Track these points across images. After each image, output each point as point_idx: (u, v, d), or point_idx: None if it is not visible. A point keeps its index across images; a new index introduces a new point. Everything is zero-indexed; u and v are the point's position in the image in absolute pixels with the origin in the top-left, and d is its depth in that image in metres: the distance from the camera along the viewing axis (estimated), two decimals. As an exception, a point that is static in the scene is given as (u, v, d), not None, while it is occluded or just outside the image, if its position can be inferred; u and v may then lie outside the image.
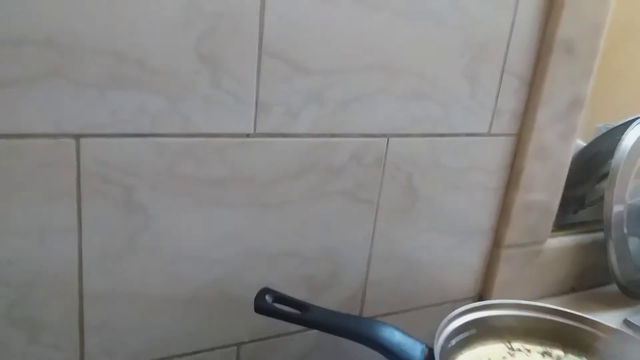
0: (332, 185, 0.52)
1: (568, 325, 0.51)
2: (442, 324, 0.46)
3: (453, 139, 0.57)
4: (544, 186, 0.64)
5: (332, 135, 0.50)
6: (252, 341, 0.53)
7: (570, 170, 0.72)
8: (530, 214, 0.65)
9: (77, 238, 0.42)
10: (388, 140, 0.53)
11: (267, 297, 0.45)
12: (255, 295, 0.46)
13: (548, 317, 0.51)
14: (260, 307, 0.44)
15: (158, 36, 0.39)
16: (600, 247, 0.73)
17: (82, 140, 0.40)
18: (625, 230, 0.72)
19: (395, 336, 0.43)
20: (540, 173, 0.63)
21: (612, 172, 0.70)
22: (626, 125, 0.72)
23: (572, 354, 0.50)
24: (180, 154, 0.44)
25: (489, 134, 0.60)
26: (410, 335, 0.45)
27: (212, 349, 0.52)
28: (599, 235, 0.74)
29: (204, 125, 0.44)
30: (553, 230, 0.71)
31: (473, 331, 0.49)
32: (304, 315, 0.44)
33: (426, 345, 0.44)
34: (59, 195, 0.40)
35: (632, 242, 0.73)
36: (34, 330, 0.43)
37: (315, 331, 0.57)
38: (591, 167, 0.77)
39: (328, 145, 0.50)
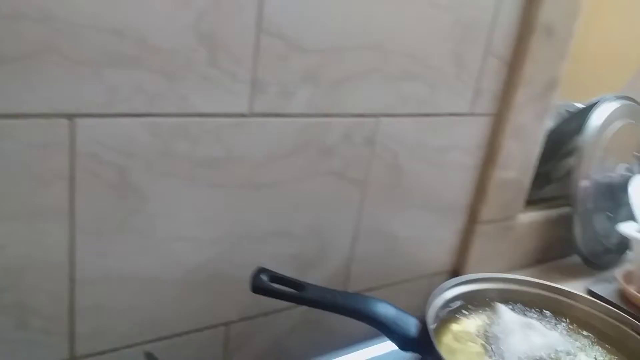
0: (323, 165, 0.53)
1: (545, 296, 0.55)
2: (431, 298, 0.49)
3: (437, 119, 0.60)
4: (518, 164, 0.68)
5: (326, 115, 0.51)
6: (240, 320, 0.55)
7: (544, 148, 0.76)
8: (504, 191, 0.69)
9: (68, 221, 0.41)
10: (379, 120, 0.55)
11: (262, 276, 0.46)
12: (247, 274, 0.47)
13: (527, 289, 0.55)
14: (258, 286, 0.45)
15: (158, 13, 0.39)
16: (565, 221, 0.78)
17: (77, 120, 0.39)
18: (590, 205, 0.78)
19: (390, 312, 0.46)
20: (516, 151, 0.67)
21: (579, 150, 0.75)
22: (592, 105, 0.77)
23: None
24: (175, 134, 0.44)
25: (470, 114, 0.62)
26: (403, 311, 0.47)
27: (202, 329, 0.52)
28: (565, 210, 0.79)
29: (200, 105, 0.44)
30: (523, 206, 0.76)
31: (459, 303, 0.52)
32: (302, 293, 0.46)
33: (418, 320, 0.47)
34: (51, 177, 0.39)
35: (596, 216, 0.79)
36: (24, 315, 0.42)
37: (300, 308, 0.59)
38: (557, 145, 0.82)
39: (321, 125, 0.51)
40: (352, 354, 0.55)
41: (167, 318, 0.50)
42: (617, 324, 0.54)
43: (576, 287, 0.77)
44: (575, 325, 0.54)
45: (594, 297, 0.74)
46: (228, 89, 0.44)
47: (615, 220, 0.79)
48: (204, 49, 0.42)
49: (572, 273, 0.81)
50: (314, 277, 0.58)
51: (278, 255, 0.54)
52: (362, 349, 0.56)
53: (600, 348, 0.51)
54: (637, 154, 0.82)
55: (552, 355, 0.47)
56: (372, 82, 0.52)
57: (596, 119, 0.75)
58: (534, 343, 0.47)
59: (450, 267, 0.72)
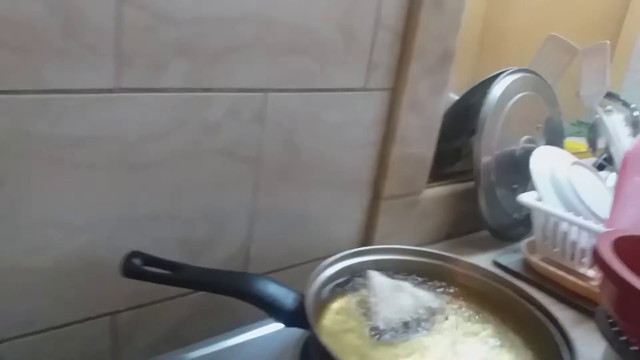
0: (208, 142, 0.52)
1: (430, 263, 0.56)
2: (314, 272, 0.49)
3: (331, 94, 0.60)
4: (419, 138, 0.69)
5: (205, 90, 0.50)
6: (127, 309, 0.53)
7: (446, 124, 0.78)
8: (406, 166, 0.70)
9: None
10: (267, 96, 0.54)
11: (135, 260, 0.45)
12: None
13: (413, 258, 0.56)
14: (128, 270, 0.44)
15: (-7, -22, 0.36)
16: (472, 196, 0.81)
17: None
18: (493, 178, 0.80)
19: (268, 287, 0.45)
20: (415, 126, 0.68)
21: (480, 124, 0.77)
22: (494, 78, 0.79)
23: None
24: (31, 112, 0.41)
25: (365, 89, 0.63)
26: (284, 285, 0.47)
27: (84, 320, 0.50)
28: (471, 184, 0.81)
29: (58, 81, 0.41)
30: (429, 181, 0.77)
31: (345, 278, 0.52)
32: (177, 275, 0.45)
33: (300, 294, 0.47)
34: None
35: (500, 189, 0.82)
36: None
37: (196, 295, 0.58)
38: (465, 121, 0.84)
39: (201, 100, 0.50)
40: (246, 333, 0.55)
41: (44, 310, 0.48)
42: (493, 283, 0.55)
43: (483, 259, 0.80)
44: (449, 286, 0.55)
45: (499, 268, 0.78)
46: (89, 64, 0.42)
47: (520, 193, 0.82)
48: (57, 20, 0.40)
49: (481, 246, 0.84)
50: (209, 261, 0.57)
51: (164, 240, 0.53)
52: (255, 328, 0.56)
53: (468, 303, 0.53)
54: (540, 125, 0.86)
55: (422, 313, 0.48)
56: (255, 55, 0.51)
57: (496, 92, 0.77)
58: (404, 304, 0.48)
59: (358, 244, 0.72)
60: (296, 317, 0.45)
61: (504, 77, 0.79)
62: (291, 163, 0.60)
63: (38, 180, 0.43)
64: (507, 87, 0.78)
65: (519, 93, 0.80)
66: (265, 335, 0.55)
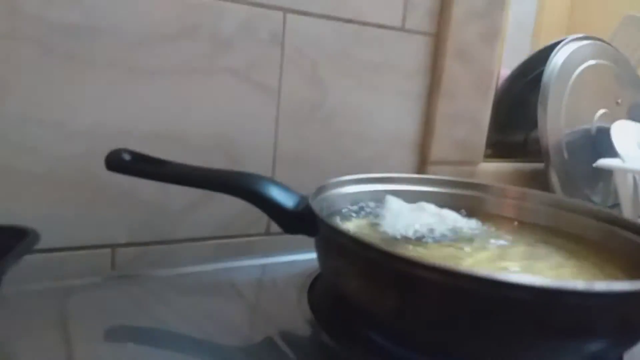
0: (220, 59, 0.44)
1: (458, 194, 0.43)
2: (328, 183, 0.38)
3: (362, 28, 0.50)
4: (469, 93, 0.57)
5: (215, -4, 0.43)
6: (129, 245, 0.43)
7: (503, 111, 0.65)
8: (457, 126, 0.57)
9: None
10: (285, 16, 0.46)
11: (124, 155, 0.36)
12: (130, 182, 0.37)
13: (438, 189, 0.43)
14: (112, 164, 0.35)
15: None
16: (542, 178, 0.65)
17: None
18: (565, 156, 0.64)
19: (268, 186, 0.34)
20: (463, 78, 0.56)
21: (542, 95, 0.62)
22: (554, 45, 0.65)
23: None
24: (19, -13, 0.36)
25: (402, 29, 0.53)
26: (289, 189, 0.35)
27: (79, 248, 0.41)
28: (540, 165, 0.65)
29: (48, -46, 0.36)
30: (489, 155, 0.63)
31: (361, 204, 0.40)
32: (164, 169, 0.35)
33: (306, 196, 0.35)
34: None
35: (574, 168, 0.65)
36: None
37: (211, 242, 0.47)
38: (523, 108, 0.70)
39: (210, 7, 0.42)
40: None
41: (30, 224, 0.39)
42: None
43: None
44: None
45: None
46: (82, -59, 0.37)
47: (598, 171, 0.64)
48: None
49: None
50: (224, 201, 0.46)
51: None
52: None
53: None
54: (619, 100, 0.69)
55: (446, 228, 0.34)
56: (270, -34, 0.44)
57: (559, 58, 0.63)
58: (422, 218, 0.34)
59: (405, 219, 0.58)
60: (299, 218, 0.33)
61: (567, 43, 0.65)
62: (318, 102, 0.50)
63: (26, 69, 0.37)
64: (572, 52, 0.64)
65: (589, 60, 0.66)
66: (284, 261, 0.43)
